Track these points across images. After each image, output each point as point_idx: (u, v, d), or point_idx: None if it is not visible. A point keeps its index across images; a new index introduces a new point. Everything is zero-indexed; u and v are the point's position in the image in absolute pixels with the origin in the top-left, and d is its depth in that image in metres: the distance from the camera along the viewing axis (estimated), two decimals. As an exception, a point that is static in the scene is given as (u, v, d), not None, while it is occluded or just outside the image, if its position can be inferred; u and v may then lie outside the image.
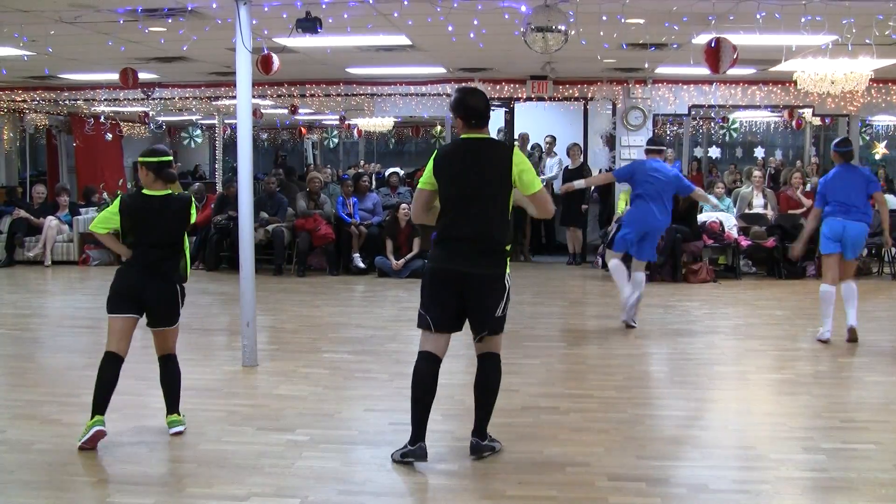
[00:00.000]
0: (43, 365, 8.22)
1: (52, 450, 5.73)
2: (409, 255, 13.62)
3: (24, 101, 17.26)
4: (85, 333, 9.83)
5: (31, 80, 15.83)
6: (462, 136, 5.57)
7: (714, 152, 21.59)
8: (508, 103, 15.93)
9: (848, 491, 4.98)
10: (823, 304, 8.89)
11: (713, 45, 8.95)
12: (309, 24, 8.41)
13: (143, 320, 5.96)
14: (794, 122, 18.88)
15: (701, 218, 13.74)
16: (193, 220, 6.17)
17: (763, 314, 10.63)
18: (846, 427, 6.14)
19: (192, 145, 25.47)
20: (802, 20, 8.59)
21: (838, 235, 8.79)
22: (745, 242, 13.67)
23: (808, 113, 16.78)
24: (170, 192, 6.02)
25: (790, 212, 13.93)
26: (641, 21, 9.46)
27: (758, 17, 8.57)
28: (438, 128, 24.24)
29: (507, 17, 9.00)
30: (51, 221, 15.25)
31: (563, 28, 8.37)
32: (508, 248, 5.52)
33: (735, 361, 8.31)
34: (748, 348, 8.81)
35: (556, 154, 16.59)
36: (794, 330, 9.55)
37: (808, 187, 14.67)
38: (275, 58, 9.87)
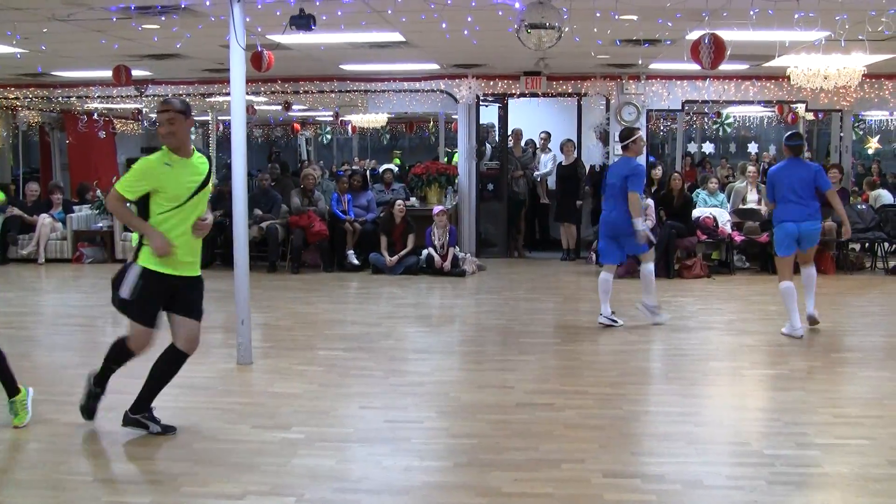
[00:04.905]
0: (38, 363, 8.21)
1: (48, 449, 5.73)
2: (403, 252, 13.61)
3: (17, 98, 17.22)
4: (80, 331, 9.84)
5: (23, 78, 15.80)
6: None
7: (708, 147, 21.59)
8: (502, 99, 15.92)
9: (842, 486, 5.00)
10: (787, 299, 9.00)
11: (707, 41, 8.97)
12: (303, 21, 8.41)
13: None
14: (788, 117, 18.91)
15: (695, 213, 13.76)
16: None
17: (757, 309, 10.64)
18: (840, 422, 6.16)
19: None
20: (796, 16, 8.60)
21: (794, 237, 9.00)
22: (738, 238, 13.69)
23: (801, 108, 16.80)
24: None
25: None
26: (635, 17, 9.47)
27: (751, 13, 8.58)
28: (432, 123, 24.24)
29: (500, 13, 9.00)
30: (44, 219, 15.24)
31: (556, 25, 8.38)
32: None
33: (729, 357, 8.32)
34: (742, 344, 8.82)
35: (550, 150, 16.61)
36: (787, 325, 9.57)
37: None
38: (265, 55, 9.88)
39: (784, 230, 9.00)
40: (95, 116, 19.13)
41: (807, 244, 9.07)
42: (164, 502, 4.81)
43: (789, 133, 9.84)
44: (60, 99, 17.38)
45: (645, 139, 9.87)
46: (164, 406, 6.56)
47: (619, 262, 9.75)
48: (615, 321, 9.50)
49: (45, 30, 10.03)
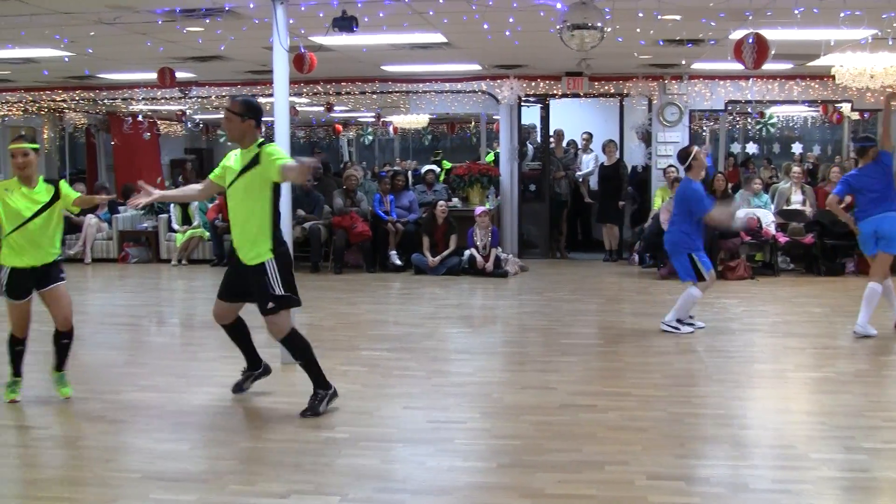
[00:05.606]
0: (85, 362, 8.29)
1: (96, 446, 5.81)
2: (445, 253, 13.63)
3: (64, 100, 17.46)
4: (125, 330, 9.95)
5: (70, 80, 16.02)
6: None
7: (751, 148, 21.41)
8: (544, 100, 15.89)
9: (891, 492, 4.94)
10: (866, 299, 8.84)
11: (750, 40, 8.91)
12: (345, 23, 8.46)
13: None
14: (833, 117, 18.71)
15: (738, 214, 13.64)
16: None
17: (802, 311, 10.54)
18: (888, 426, 6.08)
19: (229, 143, 25.62)
20: (841, 15, 8.52)
21: (872, 235, 8.88)
22: (783, 239, 13.56)
23: (846, 108, 16.61)
24: None
25: (829, 208, 13.78)
26: (678, 17, 9.42)
27: (796, 12, 8.51)
28: (473, 124, 24.26)
29: (542, 14, 9.00)
30: (90, 220, 15.44)
31: (599, 25, 8.35)
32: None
33: (774, 359, 8.25)
34: (787, 346, 8.74)
35: (592, 150, 16.58)
36: (833, 328, 9.47)
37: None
38: (307, 56, 9.93)
39: (861, 232, 9.00)
40: (140, 118, 19.35)
41: (885, 243, 8.81)
42: (211, 500, 4.85)
43: (858, 136, 9.72)
44: (106, 101, 17.60)
45: (703, 155, 9.49)
46: (208, 405, 6.65)
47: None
48: (677, 328, 9.26)
49: (91, 33, 10.18)
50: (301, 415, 6.29)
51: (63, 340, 6.80)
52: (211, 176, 6.66)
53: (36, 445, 5.90)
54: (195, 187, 7.19)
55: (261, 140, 6.33)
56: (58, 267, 6.79)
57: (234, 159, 6.39)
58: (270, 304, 6.27)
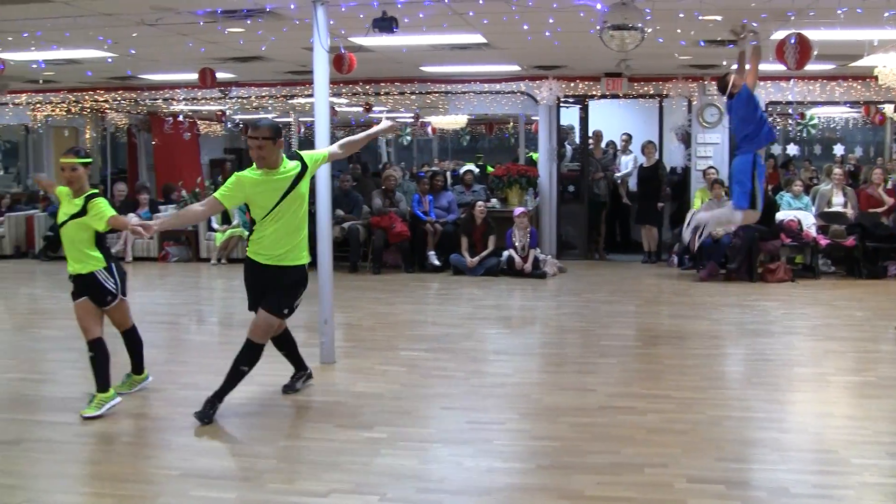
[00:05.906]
0: (125, 360, 8.32)
1: (137, 443, 5.90)
2: (484, 253, 13.62)
3: (106, 101, 17.65)
4: (165, 329, 10.04)
5: (113, 81, 16.19)
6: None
7: (792, 149, 21.23)
8: (582, 101, 15.84)
9: (934, 497, 4.89)
10: None
11: (792, 41, 8.84)
12: (385, 24, 8.48)
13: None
14: (876, 118, 18.52)
15: (779, 216, 13.53)
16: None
17: (843, 315, 10.43)
18: (932, 431, 6.02)
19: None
20: (885, 14, 8.43)
21: None
22: (823, 241, 13.42)
23: (889, 108, 16.43)
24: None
25: (871, 210, 13.65)
26: (719, 18, 9.35)
27: (839, 12, 8.42)
28: (511, 125, 24.24)
29: (582, 15, 8.97)
30: (132, 219, 15.51)
31: (639, 26, 8.32)
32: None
33: (814, 363, 8.17)
34: (828, 349, 8.65)
35: (631, 152, 16.51)
36: (874, 331, 9.37)
37: (889, 184, 14.34)
38: (346, 57, 9.97)
39: None
40: (180, 118, 19.51)
41: None
42: (251, 498, 4.90)
43: None
44: (147, 101, 17.79)
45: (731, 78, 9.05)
46: (248, 403, 6.70)
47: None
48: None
49: (134, 34, 10.28)
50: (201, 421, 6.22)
51: (125, 341, 7.05)
52: (217, 195, 6.37)
53: (78, 442, 5.97)
54: (196, 208, 6.86)
55: (282, 153, 6.36)
56: (99, 289, 6.68)
57: (260, 184, 6.26)
58: (286, 310, 6.46)
